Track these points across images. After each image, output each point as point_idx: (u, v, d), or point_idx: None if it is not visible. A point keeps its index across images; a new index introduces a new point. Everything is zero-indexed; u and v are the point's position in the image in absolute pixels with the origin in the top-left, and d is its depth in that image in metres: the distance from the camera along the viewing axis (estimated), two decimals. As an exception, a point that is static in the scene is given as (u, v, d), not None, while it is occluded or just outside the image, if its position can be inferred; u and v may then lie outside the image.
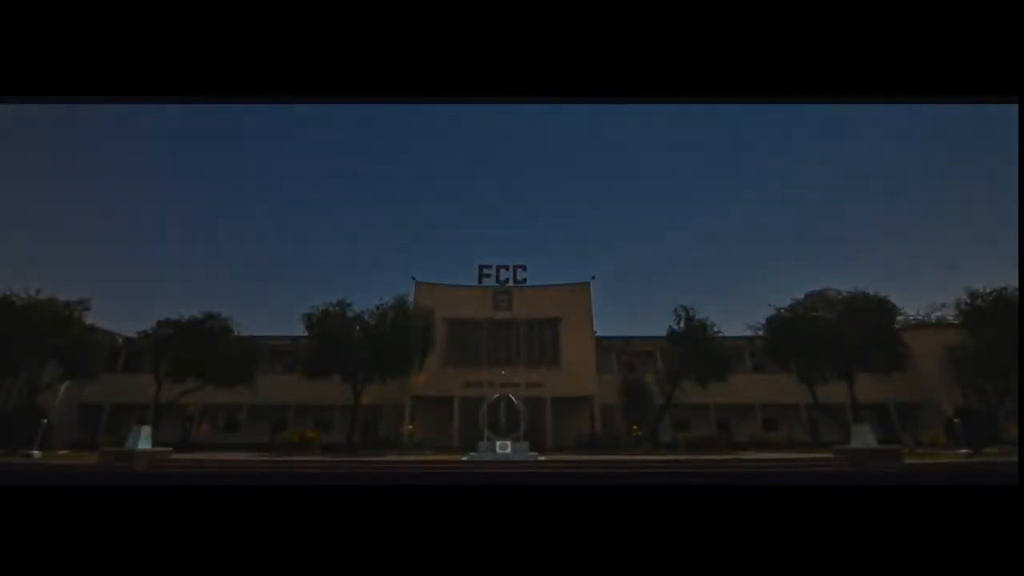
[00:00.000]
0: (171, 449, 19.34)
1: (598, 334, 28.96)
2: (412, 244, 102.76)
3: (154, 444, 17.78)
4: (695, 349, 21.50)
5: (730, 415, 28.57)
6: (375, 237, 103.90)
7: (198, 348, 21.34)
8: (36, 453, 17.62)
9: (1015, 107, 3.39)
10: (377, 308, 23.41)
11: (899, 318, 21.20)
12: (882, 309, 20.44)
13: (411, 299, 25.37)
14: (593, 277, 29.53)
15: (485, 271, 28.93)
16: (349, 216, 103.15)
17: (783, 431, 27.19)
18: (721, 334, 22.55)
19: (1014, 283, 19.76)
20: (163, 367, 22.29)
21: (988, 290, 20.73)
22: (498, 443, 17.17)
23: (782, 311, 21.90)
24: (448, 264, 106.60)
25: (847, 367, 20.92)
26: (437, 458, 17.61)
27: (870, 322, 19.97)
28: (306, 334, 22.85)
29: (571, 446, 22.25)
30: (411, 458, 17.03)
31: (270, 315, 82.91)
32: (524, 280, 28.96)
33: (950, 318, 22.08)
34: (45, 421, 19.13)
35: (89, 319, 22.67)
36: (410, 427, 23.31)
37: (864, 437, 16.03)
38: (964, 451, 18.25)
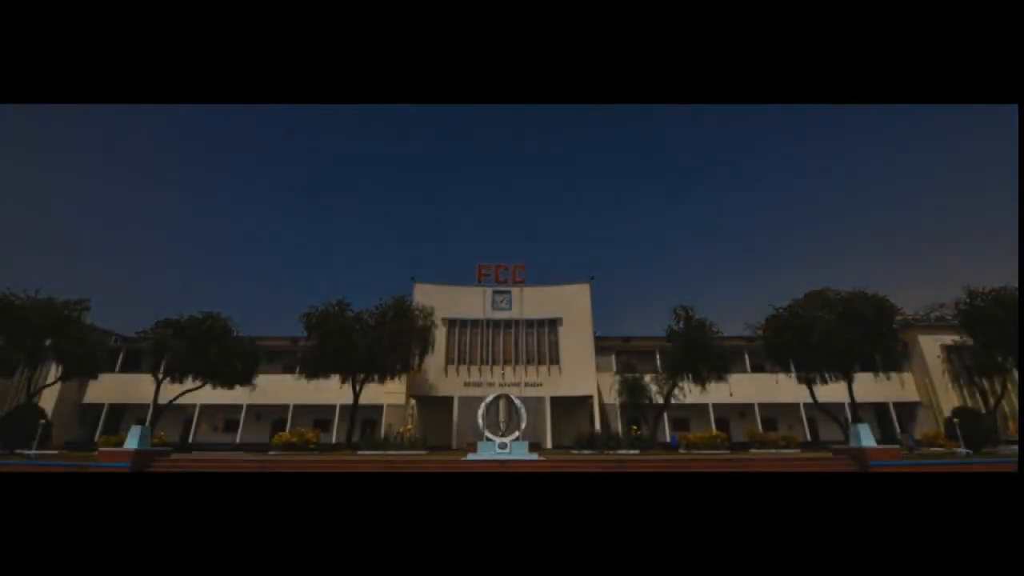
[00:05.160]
0: (170, 449, 19.33)
1: (598, 334, 28.98)
2: (412, 244, 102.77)
3: (153, 444, 17.77)
4: (694, 348, 21.47)
5: (729, 414, 28.62)
6: (374, 237, 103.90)
7: (198, 348, 21.27)
8: (32, 453, 17.58)
9: (1015, 108, 3.40)
10: (376, 308, 23.40)
11: (898, 318, 21.16)
12: (881, 309, 20.40)
13: (410, 299, 25.36)
14: (593, 277, 29.60)
15: (485, 271, 29.01)
16: (349, 216, 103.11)
17: (782, 431, 27.22)
18: (720, 334, 22.53)
19: (1014, 283, 19.77)
20: (163, 367, 22.25)
21: (987, 290, 20.74)
22: (497, 442, 17.16)
23: (781, 311, 21.87)
24: (448, 264, 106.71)
25: (846, 367, 20.92)
26: (436, 458, 17.60)
27: (869, 322, 19.95)
28: (305, 334, 22.81)
29: (570, 445, 22.24)
30: (410, 458, 17.02)
31: (269, 315, 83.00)
32: (524, 280, 29.06)
33: (949, 318, 22.08)
34: (44, 421, 19.10)
35: (89, 319, 22.65)
36: (410, 427, 23.28)
37: (863, 436, 16.05)
38: (963, 451, 18.28)
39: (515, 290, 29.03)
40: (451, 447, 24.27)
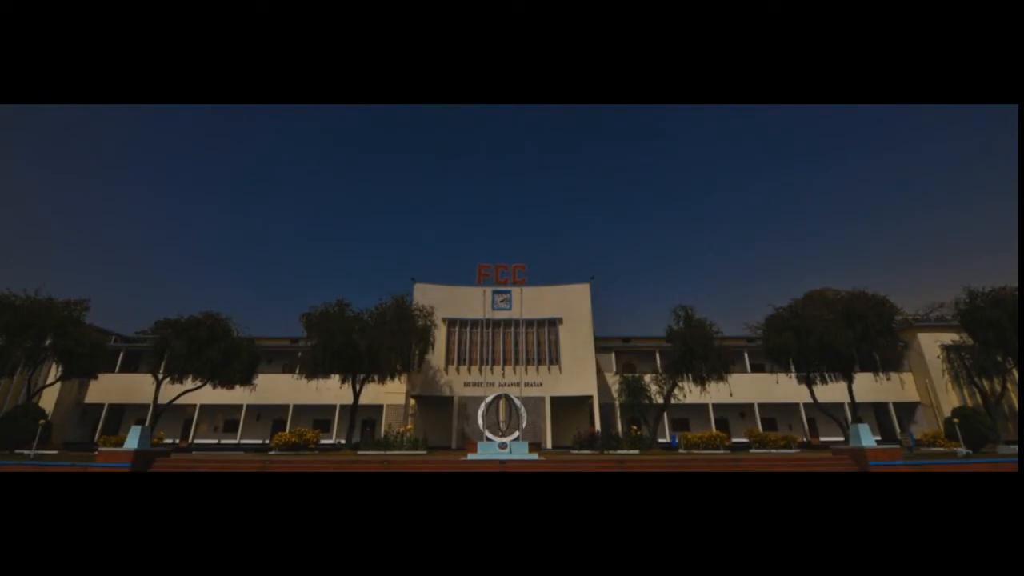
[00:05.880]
0: (170, 449, 19.36)
1: (598, 334, 28.98)
2: (413, 244, 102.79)
3: (153, 444, 17.77)
4: (694, 348, 21.46)
5: (729, 414, 28.62)
6: (375, 236, 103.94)
7: (198, 348, 21.26)
8: (30, 453, 17.58)
9: (1015, 108, 3.40)
10: (376, 308, 23.39)
11: (898, 318, 21.15)
12: (881, 309, 20.41)
13: (411, 299, 25.36)
14: (592, 277, 29.60)
15: (485, 271, 29.00)
16: (349, 216, 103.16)
17: (782, 431, 27.23)
18: (720, 333, 22.52)
19: (1014, 283, 19.77)
20: (163, 367, 22.25)
21: (987, 290, 20.75)
22: (497, 442, 17.16)
23: (782, 311, 21.87)
24: (448, 264, 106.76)
25: (846, 367, 20.92)
26: (436, 458, 17.60)
27: (869, 322, 19.95)
28: (305, 334, 22.81)
29: (570, 445, 22.24)
30: (410, 458, 17.01)
31: (269, 315, 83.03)
32: (524, 280, 29.05)
33: (949, 318, 22.07)
34: (43, 422, 19.09)
35: (88, 319, 22.66)
36: (410, 427, 23.29)
37: (863, 436, 16.04)
38: (963, 451, 18.28)
39: (515, 290, 29.01)
40: (451, 447, 24.26)
